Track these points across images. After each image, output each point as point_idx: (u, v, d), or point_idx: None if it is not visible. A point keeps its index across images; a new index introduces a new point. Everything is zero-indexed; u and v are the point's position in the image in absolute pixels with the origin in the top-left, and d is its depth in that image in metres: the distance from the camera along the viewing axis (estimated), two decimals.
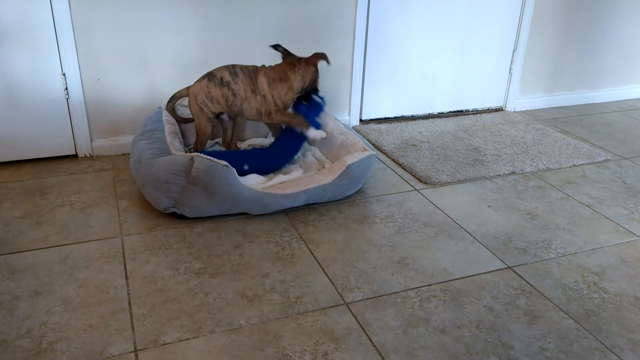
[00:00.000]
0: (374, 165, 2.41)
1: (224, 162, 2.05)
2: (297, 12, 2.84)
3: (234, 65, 2.43)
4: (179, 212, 2.15)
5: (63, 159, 2.70)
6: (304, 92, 2.49)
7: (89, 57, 2.56)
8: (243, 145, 2.72)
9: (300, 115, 2.45)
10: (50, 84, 2.54)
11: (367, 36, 3.09)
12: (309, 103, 2.54)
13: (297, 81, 2.42)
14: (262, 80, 2.40)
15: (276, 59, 2.93)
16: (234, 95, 2.40)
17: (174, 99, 2.55)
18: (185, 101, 2.66)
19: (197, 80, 2.46)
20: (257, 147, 2.65)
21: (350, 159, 2.28)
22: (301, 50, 2.92)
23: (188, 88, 2.50)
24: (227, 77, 2.39)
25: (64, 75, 2.54)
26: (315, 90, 2.52)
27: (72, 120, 2.63)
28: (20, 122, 2.56)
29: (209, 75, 2.42)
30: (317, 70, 2.48)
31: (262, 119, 2.45)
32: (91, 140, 2.71)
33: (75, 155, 2.72)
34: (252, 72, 2.41)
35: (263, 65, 2.46)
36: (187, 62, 2.73)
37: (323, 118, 2.67)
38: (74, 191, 2.39)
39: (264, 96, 2.39)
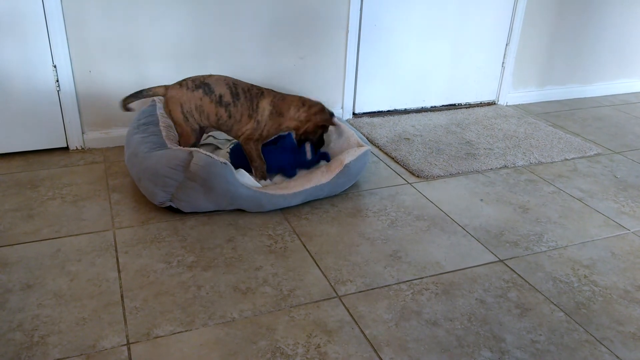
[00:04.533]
0: (369, 160, 2.41)
1: (222, 159, 2.04)
2: (291, 4, 2.83)
3: (235, 84, 2.25)
4: (174, 206, 2.15)
5: (54, 151, 2.68)
6: (297, 137, 2.34)
7: (80, 48, 2.54)
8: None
9: (265, 163, 2.30)
10: (41, 76, 2.52)
11: (360, 30, 3.08)
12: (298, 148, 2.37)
13: (293, 121, 2.29)
14: (265, 108, 2.25)
15: (267, 51, 2.91)
16: (229, 117, 2.24)
17: (141, 95, 2.24)
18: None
19: (185, 86, 2.22)
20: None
21: (348, 158, 2.28)
22: (293, 44, 2.92)
23: (166, 88, 2.24)
24: (227, 97, 2.22)
25: (55, 67, 2.52)
26: (314, 142, 2.37)
27: (63, 113, 2.61)
28: (11, 115, 2.53)
29: (205, 87, 2.21)
30: (321, 129, 2.34)
31: (238, 138, 2.29)
32: (82, 133, 2.69)
33: (66, 148, 2.71)
34: (255, 97, 2.25)
35: (270, 91, 2.30)
36: (180, 54, 2.71)
37: None
38: (65, 184, 2.37)
39: (258, 122, 2.25)
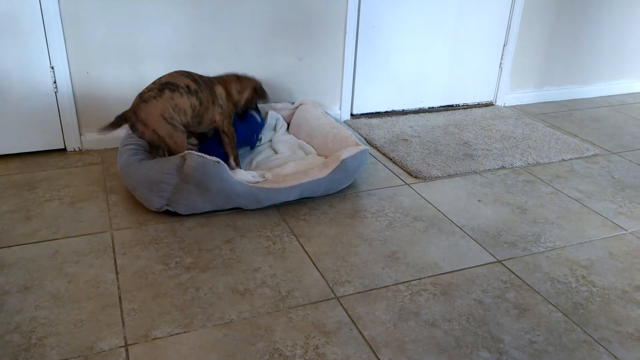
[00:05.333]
0: (367, 159, 2.42)
1: (215, 159, 2.04)
2: (289, 6, 2.83)
3: (189, 72, 2.27)
4: (172, 210, 2.14)
5: (52, 153, 2.67)
6: (240, 109, 2.53)
7: (78, 50, 2.54)
8: None
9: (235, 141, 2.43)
10: (39, 78, 2.51)
11: (358, 30, 3.08)
12: (242, 120, 2.57)
13: (237, 96, 2.46)
14: (221, 92, 2.36)
15: (265, 52, 2.92)
16: (200, 104, 2.24)
17: (122, 119, 2.13)
18: None
19: (151, 97, 2.12)
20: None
21: (345, 154, 2.28)
22: (291, 45, 2.92)
23: (133, 112, 2.11)
24: (193, 85, 2.21)
25: (52, 68, 2.52)
26: (254, 108, 2.59)
27: (61, 114, 2.61)
28: (8, 116, 2.53)
29: (169, 86, 2.15)
30: (255, 92, 2.53)
31: (216, 127, 2.36)
32: (80, 134, 2.69)
33: (64, 150, 2.70)
34: (209, 83, 2.32)
35: (212, 78, 2.40)
36: (178, 55, 2.71)
37: (309, 112, 2.71)
38: (63, 185, 2.37)
39: (221, 106, 2.35)
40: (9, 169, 2.49)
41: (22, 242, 1.97)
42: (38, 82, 2.52)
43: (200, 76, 2.32)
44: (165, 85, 2.16)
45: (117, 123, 2.12)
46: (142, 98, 2.13)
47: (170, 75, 2.23)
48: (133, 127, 2.13)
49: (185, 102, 2.18)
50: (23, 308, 1.65)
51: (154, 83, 2.19)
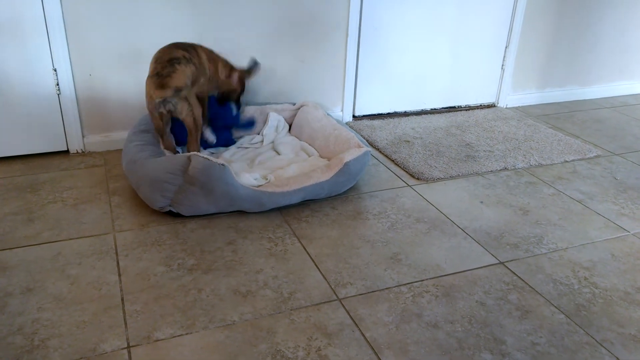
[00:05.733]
0: (369, 161, 2.42)
1: (220, 162, 2.04)
2: (291, 7, 2.83)
3: (175, 44, 2.35)
4: (174, 211, 2.15)
5: (54, 155, 2.68)
6: (218, 93, 2.60)
7: (80, 52, 2.54)
8: None
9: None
10: (42, 80, 2.52)
11: (360, 32, 3.09)
12: (221, 104, 2.65)
13: (220, 74, 2.53)
14: (202, 55, 2.43)
15: (268, 53, 2.92)
16: (196, 69, 2.34)
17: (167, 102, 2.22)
18: None
19: (169, 72, 2.21)
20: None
21: (348, 156, 2.28)
22: (293, 47, 2.92)
23: (165, 88, 2.19)
24: (185, 54, 2.30)
25: (55, 70, 2.52)
26: (234, 100, 2.65)
27: (64, 116, 2.62)
28: (11, 118, 2.54)
29: (175, 61, 2.24)
30: (239, 84, 2.60)
31: (212, 88, 2.50)
32: (83, 136, 2.69)
33: (66, 151, 2.71)
34: (191, 47, 2.39)
35: (192, 43, 2.46)
36: None
37: (310, 114, 2.75)
38: (65, 187, 2.38)
39: (205, 74, 2.44)
40: (12, 171, 2.50)
41: (25, 244, 1.98)
42: (41, 85, 2.53)
43: (183, 43, 2.40)
44: (172, 61, 2.24)
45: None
46: (161, 74, 2.19)
47: (163, 51, 2.30)
48: (164, 102, 2.20)
49: (189, 70, 2.29)
50: (25, 310, 1.65)
51: (158, 62, 2.25)
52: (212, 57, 2.51)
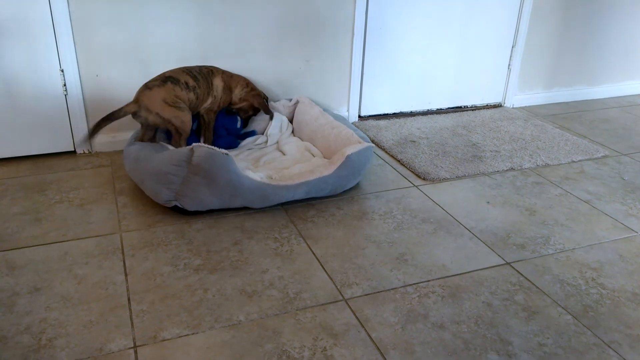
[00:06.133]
0: (372, 157, 2.42)
1: (223, 151, 2.06)
2: (297, 7, 2.83)
3: (189, 69, 2.47)
4: (180, 205, 2.15)
5: (61, 155, 2.70)
6: (231, 107, 2.69)
7: (87, 53, 2.56)
8: None
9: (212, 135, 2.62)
10: (49, 80, 2.53)
11: (366, 32, 3.08)
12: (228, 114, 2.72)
13: (237, 97, 2.65)
14: (218, 84, 2.56)
15: (273, 54, 2.93)
16: (197, 98, 2.46)
17: (112, 119, 2.27)
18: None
19: (154, 86, 2.32)
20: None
21: (350, 150, 2.29)
22: (299, 47, 2.92)
23: (135, 102, 2.29)
24: (191, 82, 2.43)
25: (62, 71, 2.54)
26: (242, 118, 2.74)
27: (71, 117, 2.63)
28: (19, 119, 2.55)
29: (171, 79, 2.37)
30: (253, 111, 2.74)
31: (199, 111, 2.54)
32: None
33: (73, 152, 2.72)
34: (208, 75, 2.54)
35: (217, 69, 2.60)
36: (186, 57, 2.73)
37: (307, 114, 2.78)
38: (72, 188, 2.39)
39: (215, 97, 2.55)
40: (20, 171, 2.52)
41: (32, 243, 1.99)
42: (48, 85, 2.54)
43: (200, 69, 2.53)
44: (167, 79, 2.38)
45: (113, 118, 2.29)
46: (147, 86, 2.34)
47: (172, 70, 2.44)
48: (135, 115, 2.32)
49: (184, 96, 2.41)
50: (33, 309, 1.66)
51: (158, 76, 2.41)
52: (230, 84, 2.61)
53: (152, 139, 2.45)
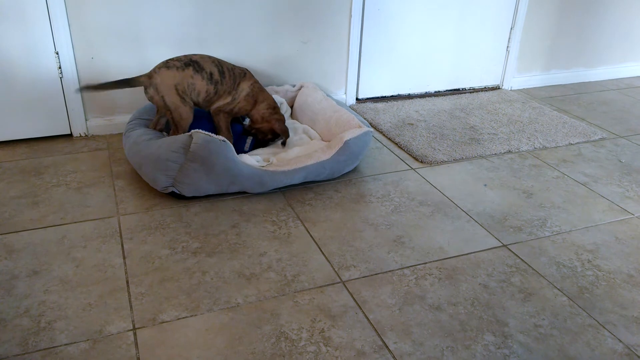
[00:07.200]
0: (370, 141, 2.41)
1: (221, 137, 2.05)
2: None
3: (220, 62, 2.35)
4: (177, 191, 2.15)
5: (58, 138, 2.68)
6: (249, 128, 2.50)
7: (82, 35, 2.53)
8: None
9: (232, 137, 2.44)
10: (44, 63, 2.51)
11: (363, 14, 3.06)
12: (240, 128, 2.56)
13: (258, 114, 2.44)
14: (244, 88, 2.39)
15: (270, 35, 2.90)
16: (215, 93, 2.34)
17: (122, 85, 2.24)
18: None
19: (174, 67, 2.24)
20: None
21: (348, 135, 2.28)
22: (296, 29, 2.90)
23: (150, 76, 2.24)
24: (216, 75, 2.31)
25: (57, 54, 2.51)
26: (258, 140, 2.50)
27: (67, 100, 2.61)
28: (14, 102, 2.53)
29: (195, 65, 2.27)
30: (272, 135, 2.49)
31: (210, 109, 2.39)
32: (86, 120, 2.69)
33: (70, 135, 2.71)
34: (238, 76, 2.39)
35: (251, 75, 2.44)
36: (183, 38, 2.70)
37: (310, 97, 2.74)
38: (69, 171, 2.38)
39: (234, 98, 2.38)
40: (16, 155, 2.51)
41: (30, 227, 1.99)
42: (43, 68, 2.52)
43: (233, 68, 2.39)
44: (192, 62, 2.28)
45: (123, 85, 2.23)
46: (167, 65, 2.25)
47: (201, 56, 2.33)
48: (146, 90, 2.26)
49: (203, 86, 2.30)
50: (32, 292, 1.67)
51: (182, 56, 2.30)
52: (257, 95, 2.43)
53: (163, 130, 2.39)
